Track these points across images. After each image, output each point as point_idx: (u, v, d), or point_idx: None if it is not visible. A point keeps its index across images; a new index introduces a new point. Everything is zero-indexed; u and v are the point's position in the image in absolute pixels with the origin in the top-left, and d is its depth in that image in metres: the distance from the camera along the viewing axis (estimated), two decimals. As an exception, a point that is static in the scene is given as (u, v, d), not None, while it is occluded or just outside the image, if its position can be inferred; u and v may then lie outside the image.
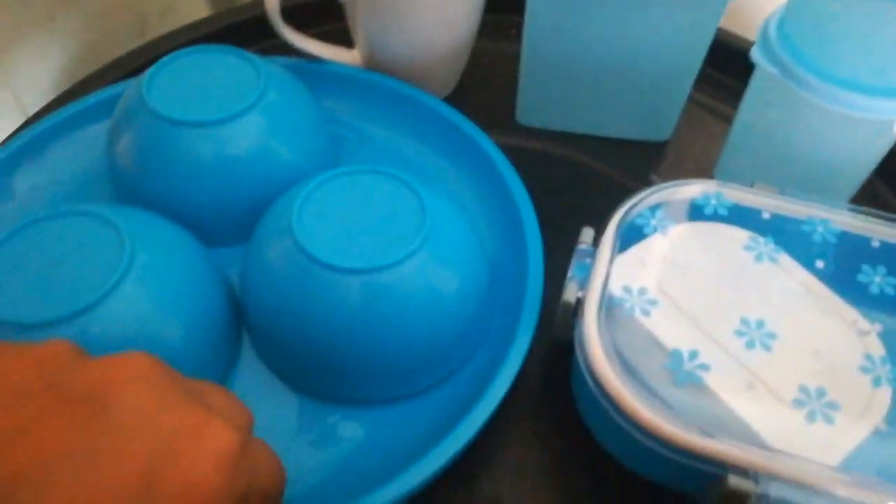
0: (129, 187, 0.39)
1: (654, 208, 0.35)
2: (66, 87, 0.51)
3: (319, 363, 0.34)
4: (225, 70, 0.39)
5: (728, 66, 0.50)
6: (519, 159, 0.42)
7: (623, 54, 0.44)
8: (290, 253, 0.33)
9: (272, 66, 0.40)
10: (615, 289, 0.33)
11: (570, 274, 0.34)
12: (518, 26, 0.55)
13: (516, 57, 0.48)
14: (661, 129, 0.48)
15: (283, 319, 0.34)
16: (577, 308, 0.33)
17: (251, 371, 0.36)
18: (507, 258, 0.39)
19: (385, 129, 0.46)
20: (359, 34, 0.47)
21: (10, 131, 0.46)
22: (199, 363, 0.33)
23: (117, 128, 0.39)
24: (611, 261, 0.33)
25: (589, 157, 0.48)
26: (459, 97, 0.50)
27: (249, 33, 0.52)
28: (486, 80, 0.52)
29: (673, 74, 0.45)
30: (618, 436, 0.31)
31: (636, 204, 0.35)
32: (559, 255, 0.39)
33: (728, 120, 0.49)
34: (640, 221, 0.35)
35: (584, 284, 0.33)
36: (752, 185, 0.37)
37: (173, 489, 0.20)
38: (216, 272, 0.36)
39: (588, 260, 0.34)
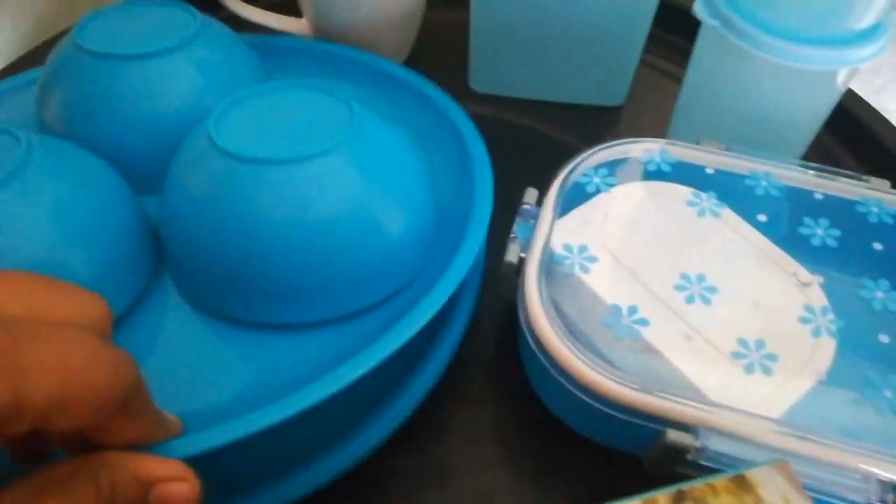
0: (56, 133, 0.37)
1: (597, 168, 0.35)
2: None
3: (234, 274, 0.32)
4: (162, 17, 0.38)
5: (678, 26, 0.49)
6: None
7: (572, 17, 0.43)
8: (206, 153, 0.31)
9: (211, 19, 0.39)
10: (556, 247, 0.32)
11: (512, 234, 0.33)
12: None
13: (469, 24, 0.48)
14: (614, 93, 0.48)
15: (200, 227, 0.32)
16: (519, 268, 0.33)
17: (168, 302, 0.34)
18: (459, 209, 0.38)
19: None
20: (306, 2, 0.46)
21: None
22: (100, 286, 0.31)
23: (47, 75, 0.38)
24: (553, 220, 0.33)
25: (543, 123, 0.47)
26: (413, 62, 0.50)
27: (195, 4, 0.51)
28: (439, 48, 0.51)
29: (623, 36, 0.44)
30: (561, 396, 0.31)
31: (579, 164, 0.35)
32: (510, 221, 0.38)
33: (682, 81, 0.49)
34: (583, 181, 0.34)
35: (526, 244, 0.33)
36: (698, 143, 0.36)
37: None
38: (131, 202, 0.34)
39: (531, 220, 0.34)
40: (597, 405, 0.29)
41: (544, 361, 0.30)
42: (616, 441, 0.31)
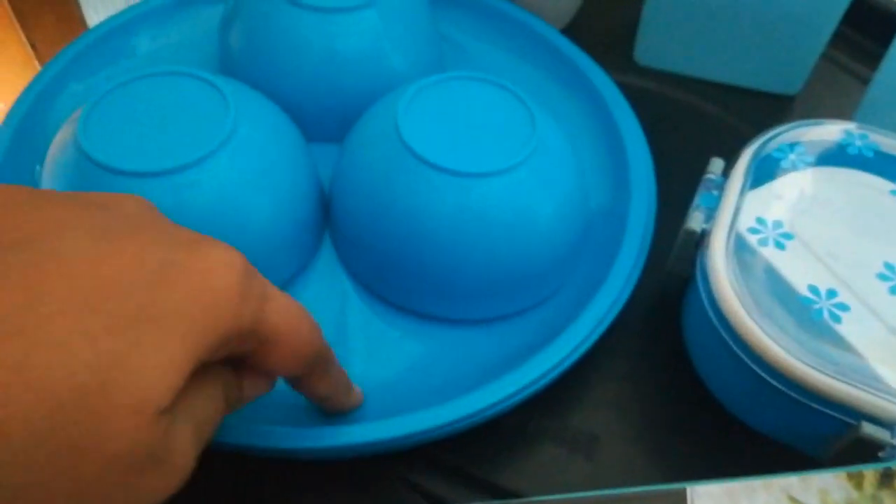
0: (237, 66, 0.38)
1: (792, 144, 0.33)
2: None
3: (404, 268, 0.32)
4: None
5: (869, 26, 0.46)
6: (633, 99, 0.40)
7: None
8: (393, 149, 0.31)
9: None
10: (746, 220, 0.30)
11: (695, 202, 0.32)
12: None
13: None
14: (790, 81, 0.45)
15: (375, 216, 0.32)
16: (700, 239, 0.31)
17: (329, 270, 0.35)
18: (612, 191, 0.37)
19: (493, 51, 0.44)
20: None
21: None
22: (280, 248, 0.33)
23: (235, 5, 0.38)
24: (743, 191, 0.31)
25: (710, 103, 0.45)
26: (576, 29, 0.48)
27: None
28: (604, 12, 0.49)
29: (810, 21, 0.42)
30: (735, 378, 0.29)
31: (773, 137, 0.33)
32: (669, 199, 0.37)
33: (865, 81, 0.46)
34: (777, 156, 0.32)
35: (710, 215, 0.31)
36: (897, 133, 0.34)
37: (188, 281, 0.19)
38: (311, 162, 0.35)
39: (715, 191, 0.32)
40: (785, 390, 0.27)
41: (729, 340, 0.28)
42: (787, 432, 0.29)
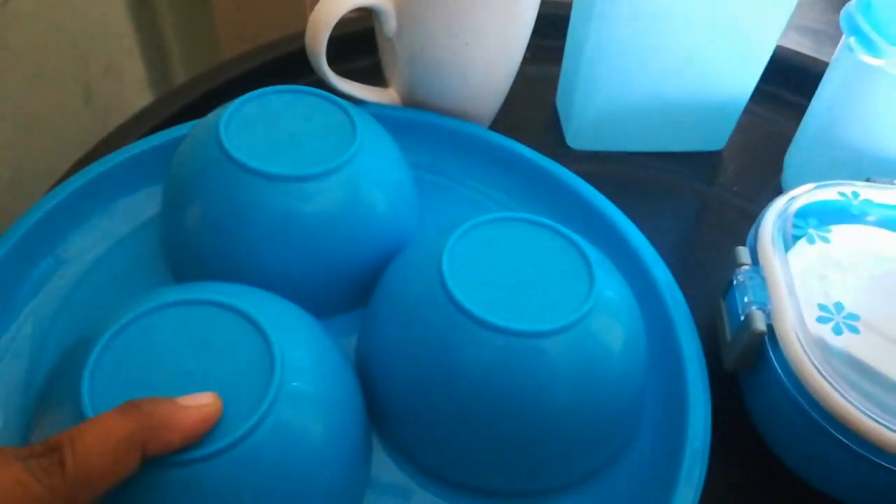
0: (200, 255, 0.33)
1: (804, 216, 0.33)
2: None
3: (464, 440, 0.29)
4: (310, 114, 0.34)
5: (780, 78, 0.49)
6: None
7: (684, 75, 0.43)
8: (440, 307, 0.28)
9: (361, 111, 0.35)
10: (808, 309, 0.30)
11: (746, 300, 0.31)
12: (531, 49, 0.53)
13: (545, 79, 0.49)
14: (716, 139, 0.47)
15: (425, 384, 0.29)
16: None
17: (383, 465, 0.31)
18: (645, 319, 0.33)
19: (459, 174, 0.42)
20: (397, 73, 0.42)
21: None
22: (344, 465, 0.28)
23: (184, 183, 0.33)
24: (789, 278, 0.31)
25: (650, 171, 0.46)
26: (503, 124, 0.47)
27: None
28: (522, 103, 0.49)
29: (732, 90, 0.44)
30: (832, 464, 0.29)
31: (784, 212, 0.33)
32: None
33: (781, 127, 0.49)
34: (797, 232, 0.33)
35: (763, 306, 0.31)
36: (868, 180, 0.36)
37: None
38: (342, 353, 0.31)
39: (752, 281, 0.32)
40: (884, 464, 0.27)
41: (826, 426, 0.28)
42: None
